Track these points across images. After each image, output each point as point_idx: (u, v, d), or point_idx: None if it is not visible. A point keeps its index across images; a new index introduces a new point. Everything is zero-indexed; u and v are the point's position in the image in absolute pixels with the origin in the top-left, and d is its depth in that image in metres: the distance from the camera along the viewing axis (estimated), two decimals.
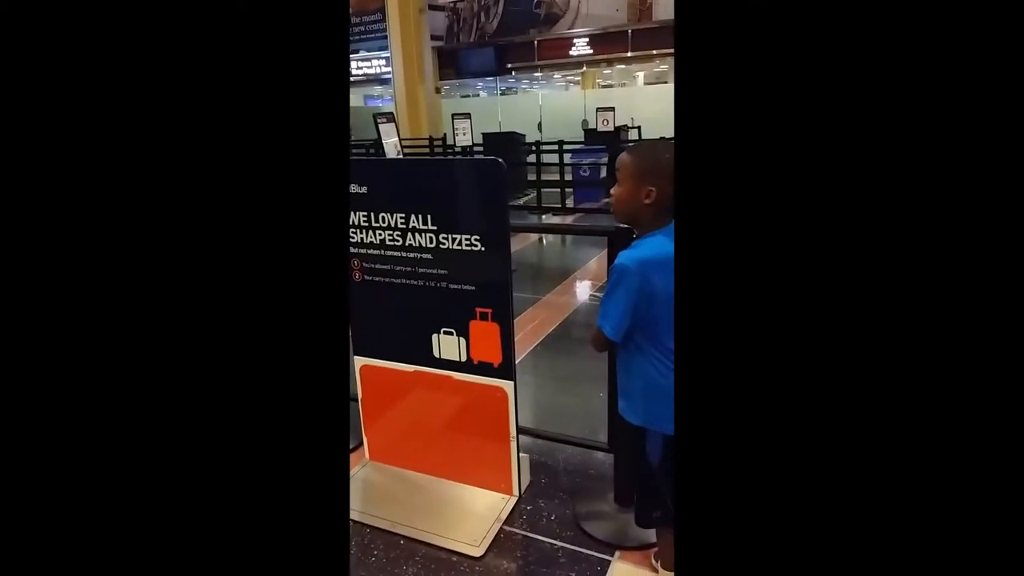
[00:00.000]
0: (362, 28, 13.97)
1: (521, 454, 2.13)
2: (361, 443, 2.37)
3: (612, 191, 1.46)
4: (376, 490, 2.24)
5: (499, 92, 16.36)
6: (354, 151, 10.14)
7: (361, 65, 15.58)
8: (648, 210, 1.39)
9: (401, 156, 7.36)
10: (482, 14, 13.74)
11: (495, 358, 2.00)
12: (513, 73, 15.18)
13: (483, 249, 1.90)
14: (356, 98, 17.57)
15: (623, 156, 1.44)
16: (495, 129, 10.67)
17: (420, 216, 1.97)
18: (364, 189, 2.04)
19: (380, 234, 2.06)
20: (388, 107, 12.71)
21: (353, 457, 2.39)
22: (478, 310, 1.97)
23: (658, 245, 1.38)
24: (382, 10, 11.93)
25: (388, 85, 13.25)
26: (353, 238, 2.10)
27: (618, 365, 1.56)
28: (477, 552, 1.88)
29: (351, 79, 16.27)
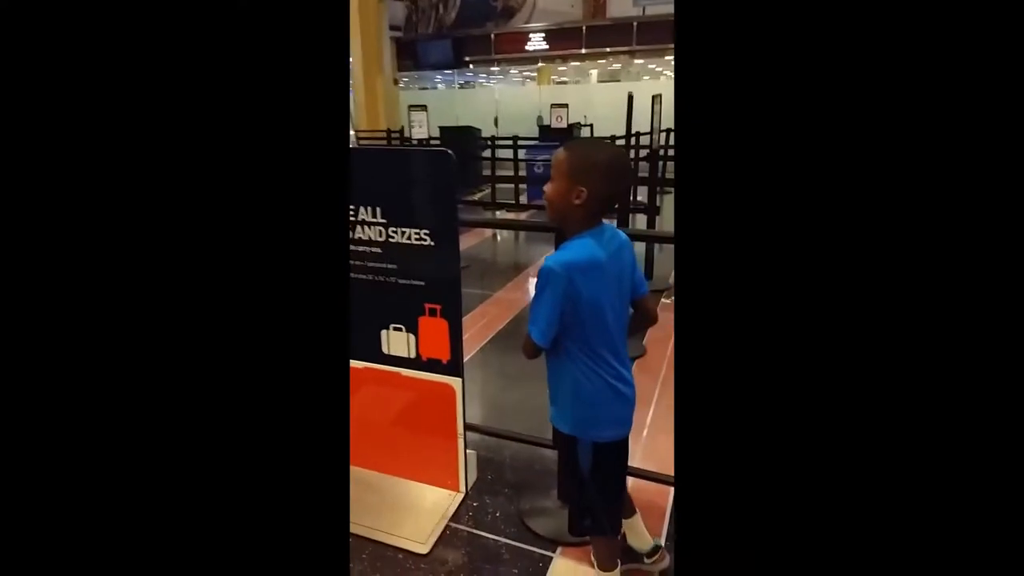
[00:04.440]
0: None
1: (468, 451, 2.12)
2: None
3: (545, 188, 1.41)
4: None
5: (457, 86, 16.23)
6: None
7: None
8: (578, 211, 1.35)
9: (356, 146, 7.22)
10: (440, 5, 13.60)
11: (443, 354, 1.99)
12: (471, 67, 15.09)
13: (432, 244, 1.89)
14: None
15: (558, 152, 1.38)
16: (454, 123, 10.59)
17: (369, 208, 1.94)
18: None
19: None
20: None
21: None
22: (427, 306, 1.96)
23: (585, 247, 1.35)
24: None
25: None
26: None
27: (548, 372, 1.50)
28: (423, 549, 1.87)
29: None
